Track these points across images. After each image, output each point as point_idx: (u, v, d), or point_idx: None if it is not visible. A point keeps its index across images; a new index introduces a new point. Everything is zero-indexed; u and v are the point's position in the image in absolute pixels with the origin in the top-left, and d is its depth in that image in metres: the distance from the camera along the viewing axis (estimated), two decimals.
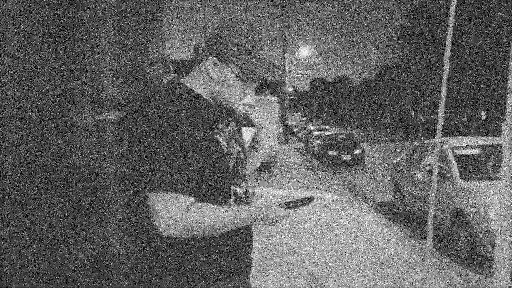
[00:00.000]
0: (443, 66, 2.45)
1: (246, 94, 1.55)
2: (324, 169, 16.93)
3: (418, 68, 32.23)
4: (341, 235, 6.26)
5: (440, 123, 2.72)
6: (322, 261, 5.09)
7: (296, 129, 49.79)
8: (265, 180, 11.97)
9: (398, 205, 8.42)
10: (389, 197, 9.22)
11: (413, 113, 44.89)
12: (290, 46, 39.49)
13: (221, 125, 1.49)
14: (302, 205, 1.40)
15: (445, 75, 2.58)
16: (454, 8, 2.42)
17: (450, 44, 2.45)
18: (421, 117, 40.02)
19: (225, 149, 1.46)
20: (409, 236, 6.52)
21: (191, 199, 1.32)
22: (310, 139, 25.18)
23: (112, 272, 1.52)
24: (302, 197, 1.40)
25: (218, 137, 1.45)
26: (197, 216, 1.31)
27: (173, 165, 1.29)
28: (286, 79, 37.83)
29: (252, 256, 1.60)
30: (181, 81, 1.50)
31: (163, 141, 1.29)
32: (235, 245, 1.49)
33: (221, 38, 1.44)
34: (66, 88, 1.47)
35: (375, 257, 5.26)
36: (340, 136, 20.70)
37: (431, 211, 2.79)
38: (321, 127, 37.72)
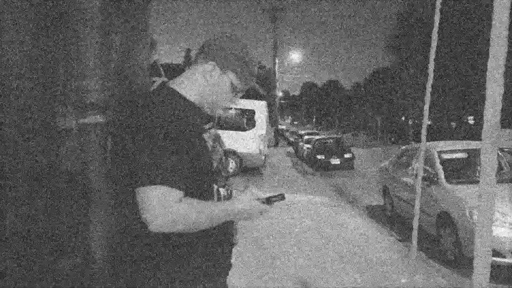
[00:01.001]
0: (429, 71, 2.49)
1: (233, 103, 1.62)
2: (314, 173, 17.00)
3: (407, 73, 32.55)
4: (327, 238, 6.28)
5: (425, 127, 2.76)
6: (307, 263, 5.10)
7: (287, 133, 49.93)
8: (254, 184, 11.97)
9: (386, 209, 8.48)
10: (378, 201, 9.28)
11: (403, 118, 45.26)
12: (281, 50, 39.62)
13: (207, 126, 1.55)
14: (276, 201, 1.56)
15: (429, 82, 2.62)
16: (439, 14, 2.47)
17: (434, 52, 2.50)
18: (410, 122, 40.34)
19: (210, 148, 1.52)
20: (397, 240, 6.57)
21: (182, 193, 1.35)
22: (301, 143, 25.27)
23: (95, 272, 1.52)
24: (276, 194, 1.57)
25: (205, 136, 1.51)
26: (186, 210, 1.35)
27: (163, 160, 1.32)
28: (277, 83, 37.90)
29: (231, 256, 1.63)
30: (169, 84, 1.54)
31: (152, 139, 1.33)
32: (215, 246, 1.53)
33: (224, 46, 1.53)
34: (49, 91, 1.47)
35: (361, 260, 5.29)
36: (330, 140, 20.81)
37: (416, 214, 2.83)
38: (311, 131, 37.85)
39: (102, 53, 1.51)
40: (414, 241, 2.73)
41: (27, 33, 1.41)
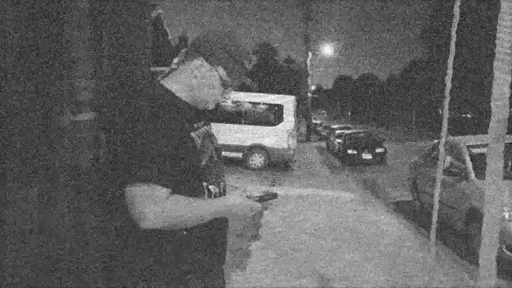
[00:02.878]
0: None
1: (224, 98, 1.62)
2: (344, 168, 16.78)
3: (443, 65, 31.56)
4: (354, 234, 6.20)
5: (445, 120, 2.66)
6: (332, 259, 5.05)
7: (319, 128, 49.49)
8: (283, 179, 11.95)
9: (415, 205, 8.27)
10: (407, 196, 9.07)
11: (440, 111, 43.93)
12: (313, 44, 39.22)
13: (196, 125, 1.56)
14: (268, 199, 1.58)
15: (449, 75, 2.52)
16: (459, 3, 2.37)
17: (454, 45, 2.40)
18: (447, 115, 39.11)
19: (198, 146, 1.51)
20: (425, 237, 6.40)
21: (169, 190, 1.38)
22: (332, 138, 24.95)
23: (88, 270, 1.56)
24: (268, 192, 1.60)
25: (192, 134, 1.51)
26: (174, 207, 1.38)
27: (150, 158, 1.35)
28: (309, 78, 37.58)
29: (225, 249, 1.65)
30: (159, 80, 1.56)
31: (141, 137, 1.35)
32: (208, 241, 1.54)
33: (212, 42, 1.52)
34: (45, 90, 1.51)
35: (387, 257, 5.19)
36: (361, 135, 20.42)
37: (435, 209, 2.73)
38: (344, 125, 37.34)
39: (93, 52, 1.54)
40: (433, 238, 2.65)
41: (18, 32, 1.44)
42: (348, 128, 30.78)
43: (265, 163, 13.33)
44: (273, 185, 10.38)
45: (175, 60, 1.57)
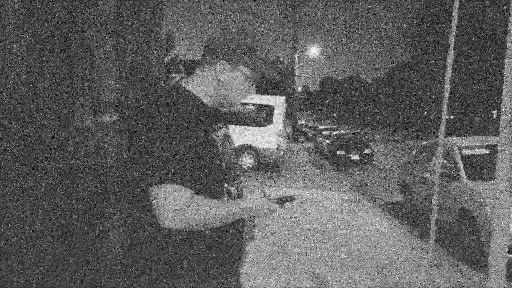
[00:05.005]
0: (452, 65, 2.44)
1: (249, 93, 1.64)
2: (333, 168, 16.90)
3: (429, 67, 31.97)
4: (346, 235, 6.26)
5: (443, 123, 2.72)
6: (325, 260, 5.10)
7: (305, 129, 49.71)
8: (273, 180, 11.98)
9: (406, 205, 8.39)
10: (397, 197, 9.18)
11: (425, 112, 44.51)
12: (300, 45, 39.35)
13: (216, 126, 1.57)
14: (287, 201, 1.60)
15: (447, 76, 2.58)
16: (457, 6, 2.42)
17: (453, 45, 2.45)
18: (431, 116, 39.65)
19: (220, 148, 1.54)
20: (416, 237, 6.50)
21: (193, 192, 1.39)
22: (320, 139, 25.11)
23: (113, 271, 1.56)
24: (287, 195, 1.62)
25: (214, 136, 1.53)
26: (198, 208, 1.39)
27: (176, 160, 1.36)
28: (296, 78, 37.71)
29: (242, 252, 1.66)
30: (182, 83, 1.56)
31: (166, 138, 1.37)
32: (226, 242, 1.55)
33: (229, 42, 1.53)
34: (67, 90, 1.51)
35: (379, 257, 5.25)
36: (349, 136, 20.61)
37: (434, 211, 2.79)
38: (330, 126, 37.57)
39: (116, 53, 1.54)
40: (432, 239, 2.71)
41: (45, 35, 1.44)
42: (335, 129, 31.01)
43: (255, 163, 13.35)
44: (264, 185, 10.39)
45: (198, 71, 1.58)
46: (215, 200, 1.45)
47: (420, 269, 4.86)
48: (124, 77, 1.56)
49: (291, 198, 1.62)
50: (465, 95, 27.11)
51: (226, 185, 1.55)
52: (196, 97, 1.52)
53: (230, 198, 1.56)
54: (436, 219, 2.56)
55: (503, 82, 1.59)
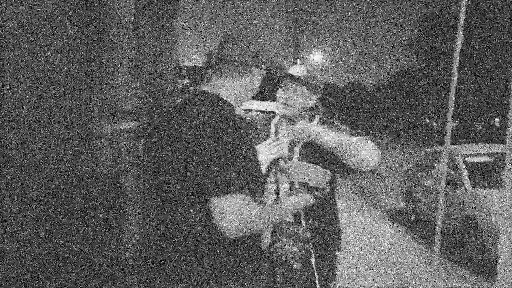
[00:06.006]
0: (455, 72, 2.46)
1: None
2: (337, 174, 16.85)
3: (431, 74, 32.00)
4: (349, 242, 6.27)
5: (449, 131, 2.74)
6: None
7: None
8: None
9: (409, 213, 8.39)
10: (401, 204, 9.19)
11: (426, 120, 44.48)
12: (302, 52, 39.51)
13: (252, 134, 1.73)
14: (317, 192, 1.87)
15: (453, 84, 2.61)
16: (464, 12, 2.46)
17: (459, 53, 2.48)
18: (434, 124, 39.66)
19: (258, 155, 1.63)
20: (420, 244, 6.51)
21: (251, 198, 1.41)
22: None
23: (127, 275, 1.60)
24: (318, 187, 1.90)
25: (254, 145, 1.64)
26: (258, 214, 1.46)
27: (237, 169, 1.38)
28: None
29: (261, 256, 1.74)
30: (216, 93, 1.55)
31: (224, 148, 1.38)
32: (249, 246, 1.55)
33: (253, 46, 1.58)
34: (86, 99, 1.56)
35: (383, 264, 5.27)
36: None
37: (439, 218, 2.81)
38: None
39: (135, 63, 1.59)
40: (437, 247, 2.73)
41: (67, 46, 1.49)
42: None
43: None
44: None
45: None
46: (265, 206, 1.65)
47: (423, 276, 4.87)
48: (142, 86, 1.61)
49: (319, 190, 1.85)
50: (466, 102, 27.15)
51: (263, 189, 1.73)
52: (234, 107, 1.56)
53: (267, 200, 1.78)
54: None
55: (507, 89, 1.62)
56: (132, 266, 1.61)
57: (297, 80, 2.04)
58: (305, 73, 2.07)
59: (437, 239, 2.73)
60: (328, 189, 1.80)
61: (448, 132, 2.68)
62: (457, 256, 5.91)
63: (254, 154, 1.51)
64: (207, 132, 1.39)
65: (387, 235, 6.82)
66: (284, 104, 2.07)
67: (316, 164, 1.94)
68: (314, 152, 1.97)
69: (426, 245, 6.45)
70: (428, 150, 8.89)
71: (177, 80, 2.03)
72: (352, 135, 2.08)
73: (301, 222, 1.97)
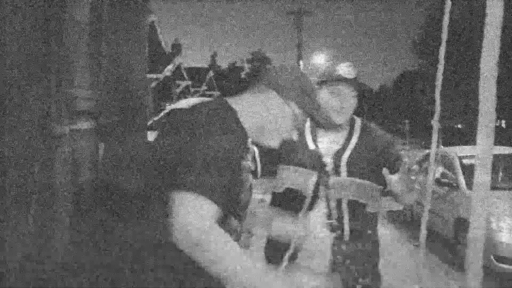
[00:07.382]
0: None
1: (292, 135, 1.54)
2: None
3: (435, 76, 31.77)
4: None
5: (436, 131, 2.72)
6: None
7: None
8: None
9: (406, 214, 8.34)
10: (397, 205, 9.14)
11: (432, 121, 44.12)
12: (305, 52, 39.48)
13: (246, 156, 1.46)
14: None
15: (438, 88, 2.58)
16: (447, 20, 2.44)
17: (443, 56, 2.46)
18: (439, 125, 39.42)
19: (242, 177, 1.43)
20: (415, 245, 6.47)
21: (220, 211, 1.23)
22: None
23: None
24: None
25: (242, 164, 1.42)
26: (219, 239, 1.19)
27: (210, 173, 1.23)
28: None
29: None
30: (230, 103, 1.45)
31: (209, 150, 1.25)
32: None
33: (285, 77, 1.48)
34: (45, 99, 1.56)
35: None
36: None
37: (425, 218, 2.78)
38: None
39: (91, 64, 1.58)
40: (422, 248, 2.70)
41: (18, 42, 1.48)
42: None
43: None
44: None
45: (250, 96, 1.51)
46: (237, 245, 1.24)
47: (416, 276, 4.84)
48: (99, 86, 1.61)
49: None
50: (469, 103, 27.00)
51: (234, 219, 1.40)
52: (240, 123, 1.42)
53: (231, 234, 1.34)
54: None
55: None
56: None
57: (349, 82, 1.82)
58: (355, 73, 1.86)
59: (422, 238, 2.71)
60: (381, 203, 1.59)
61: (435, 131, 2.66)
62: (449, 257, 5.86)
63: (236, 168, 1.34)
64: (195, 134, 1.29)
65: (382, 235, 6.78)
66: (338, 111, 1.83)
67: (365, 179, 1.78)
68: (364, 167, 1.82)
69: (420, 247, 6.40)
70: (426, 151, 8.83)
71: (176, 82, 2.01)
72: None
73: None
